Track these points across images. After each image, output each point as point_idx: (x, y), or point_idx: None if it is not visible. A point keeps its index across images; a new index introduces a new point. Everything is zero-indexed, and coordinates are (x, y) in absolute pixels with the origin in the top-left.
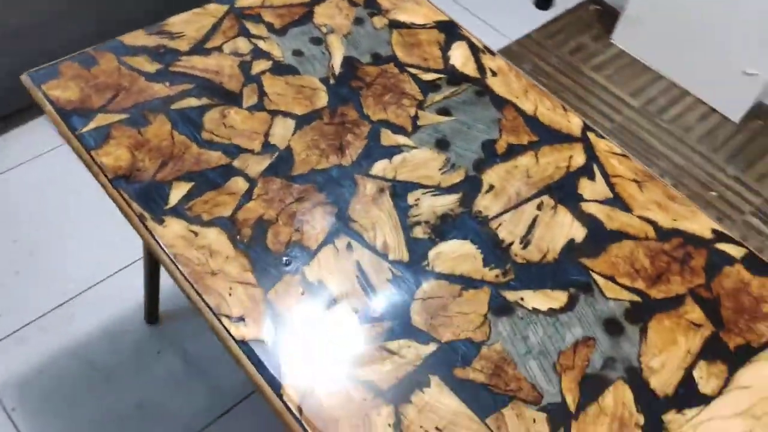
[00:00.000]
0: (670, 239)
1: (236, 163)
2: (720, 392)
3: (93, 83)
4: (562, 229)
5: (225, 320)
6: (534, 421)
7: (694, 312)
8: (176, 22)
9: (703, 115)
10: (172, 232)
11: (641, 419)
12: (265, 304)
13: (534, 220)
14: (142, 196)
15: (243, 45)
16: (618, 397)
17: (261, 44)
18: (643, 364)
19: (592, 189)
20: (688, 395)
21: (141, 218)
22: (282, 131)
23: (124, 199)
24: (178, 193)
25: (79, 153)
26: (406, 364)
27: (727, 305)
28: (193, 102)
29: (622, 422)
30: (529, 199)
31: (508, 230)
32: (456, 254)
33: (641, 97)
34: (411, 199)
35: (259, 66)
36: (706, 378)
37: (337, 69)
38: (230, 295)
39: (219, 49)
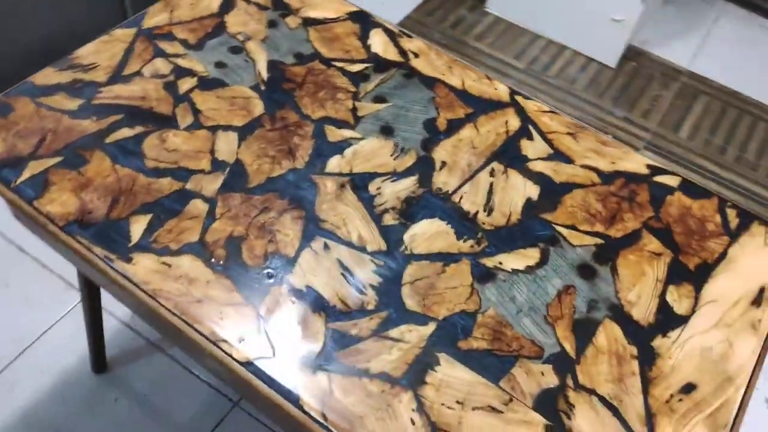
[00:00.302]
0: (614, 181)
1: (190, 186)
2: (693, 310)
3: (15, 131)
4: (517, 190)
5: (224, 345)
6: (542, 374)
7: (651, 243)
8: (85, 53)
9: (583, 66)
10: (143, 268)
11: (634, 350)
12: (259, 320)
13: (490, 187)
14: (100, 237)
15: (162, 66)
16: (609, 334)
17: (181, 62)
18: (621, 299)
19: (533, 148)
20: (667, 319)
21: (107, 260)
22: (226, 146)
23: (83, 244)
24: (138, 227)
25: (18, 206)
26: (413, 348)
27: (677, 231)
28: (126, 132)
29: (618, 357)
30: (480, 169)
31: (470, 201)
32: (429, 233)
33: (524, 58)
34: (372, 188)
35: (185, 84)
36: (678, 300)
37: (264, 74)
38: (222, 319)
39: (138, 74)
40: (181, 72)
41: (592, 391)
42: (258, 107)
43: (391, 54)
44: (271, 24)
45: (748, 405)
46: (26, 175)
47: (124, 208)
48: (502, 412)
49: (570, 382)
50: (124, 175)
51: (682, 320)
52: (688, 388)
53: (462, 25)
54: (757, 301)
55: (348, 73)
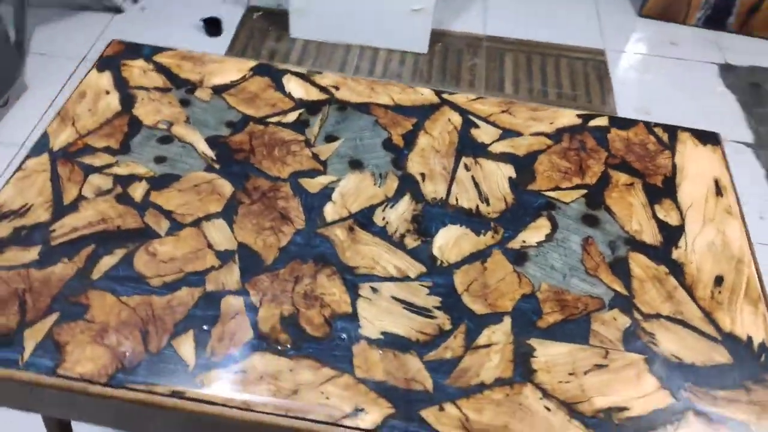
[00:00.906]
0: (562, 138)
1: (211, 288)
2: (682, 219)
3: None
4: (496, 175)
5: (347, 421)
6: (615, 319)
7: (620, 177)
8: (6, 197)
9: (401, 59)
10: (219, 386)
11: (664, 268)
12: (360, 384)
13: (474, 181)
14: (155, 375)
15: (101, 181)
16: (640, 264)
17: (117, 170)
18: (629, 232)
19: (485, 134)
20: (669, 234)
21: (177, 395)
22: (220, 234)
23: (140, 390)
24: (188, 348)
25: (39, 384)
26: (506, 346)
27: (632, 160)
28: (109, 261)
29: (658, 279)
30: (455, 168)
31: (466, 199)
32: (452, 241)
33: (347, 69)
34: (378, 220)
35: (137, 191)
36: (668, 215)
37: (210, 153)
38: (328, 398)
39: (81, 198)
40: (124, 180)
41: (657, 316)
42: (226, 186)
43: (314, 94)
44: (184, 103)
45: (761, 272)
46: (30, 346)
47: (160, 336)
48: (607, 365)
49: (638, 315)
50: (136, 305)
51: (680, 229)
52: (719, 281)
53: (277, 57)
54: (719, 192)
55: (287, 125)
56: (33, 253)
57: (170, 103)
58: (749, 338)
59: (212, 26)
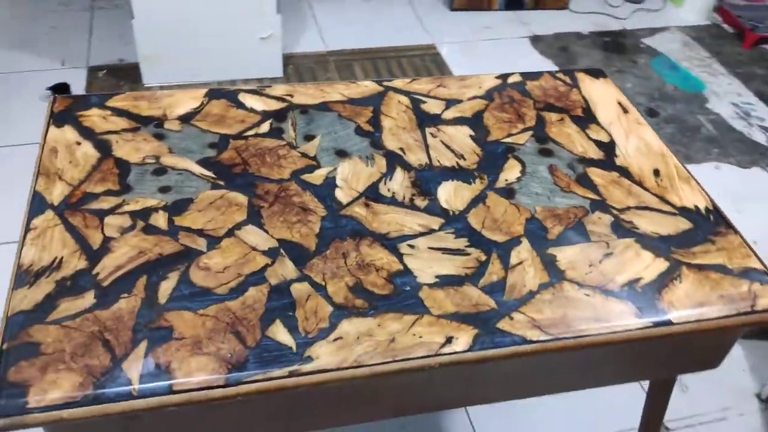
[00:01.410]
0: (493, 96)
1: (274, 281)
2: (610, 136)
3: (66, 357)
4: (459, 136)
5: (445, 349)
6: (600, 218)
7: (551, 116)
8: (30, 258)
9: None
10: (326, 354)
11: (615, 173)
12: (441, 318)
13: (444, 144)
14: (267, 364)
15: (120, 221)
16: (599, 175)
17: (129, 208)
18: (578, 153)
19: (434, 107)
20: (606, 148)
21: (294, 374)
22: (257, 236)
23: (260, 379)
24: (285, 334)
25: (161, 406)
26: (534, 259)
27: (552, 101)
28: (168, 285)
29: (615, 182)
30: (424, 138)
31: (445, 159)
32: (451, 193)
33: None
34: (385, 192)
35: (160, 220)
36: (598, 135)
37: (207, 173)
38: (420, 337)
39: (109, 240)
40: (141, 215)
41: (628, 208)
42: (239, 197)
43: (274, 105)
44: (159, 137)
45: (681, 167)
46: (135, 375)
47: (253, 333)
48: (612, 252)
49: (614, 212)
50: (216, 313)
51: (612, 144)
52: (657, 173)
53: None
54: (624, 110)
55: (264, 135)
56: (88, 299)
57: (145, 139)
58: (696, 207)
59: (61, 93)
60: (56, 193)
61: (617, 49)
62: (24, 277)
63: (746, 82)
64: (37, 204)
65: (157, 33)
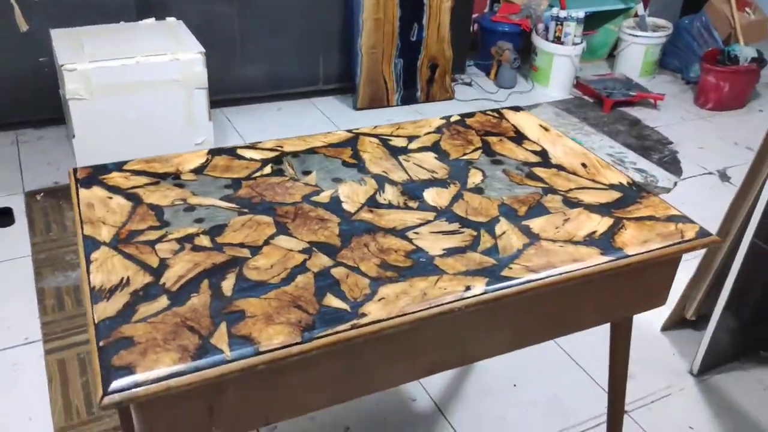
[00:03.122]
0: (443, 131)
1: (316, 269)
2: (540, 145)
3: (157, 346)
4: (426, 158)
5: (467, 294)
6: (553, 198)
7: (492, 139)
8: (101, 280)
9: None
10: (377, 310)
11: (554, 169)
12: (457, 275)
13: (417, 165)
14: (332, 323)
15: (169, 246)
16: (540, 172)
17: (174, 236)
18: (521, 160)
19: (399, 142)
20: (540, 154)
21: (355, 327)
22: (291, 243)
23: (327, 330)
24: (337, 301)
25: (250, 366)
26: (513, 229)
27: (488, 129)
28: (228, 283)
29: (556, 175)
30: (400, 164)
31: (421, 174)
32: (435, 195)
33: None
34: (382, 201)
35: (203, 241)
36: (531, 146)
37: (233, 205)
38: (445, 289)
39: (164, 260)
40: (185, 240)
41: (570, 190)
42: (265, 218)
43: (269, 154)
44: (179, 185)
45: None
46: (223, 345)
47: (311, 304)
48: (569, 218)
49: (562, 193)
50: (276, 296)
51: (544, 152)
52: (584, 165)
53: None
54: (545, 129)
55: (269, 175)
56: (163, 302)
57: (168, 189)
58: (621, 183)
59: (3, 217)
60: (104, 233)
61: None
62: (99, 295)
63: (614, 137)
64: (91, 244)
65: (96, 149)
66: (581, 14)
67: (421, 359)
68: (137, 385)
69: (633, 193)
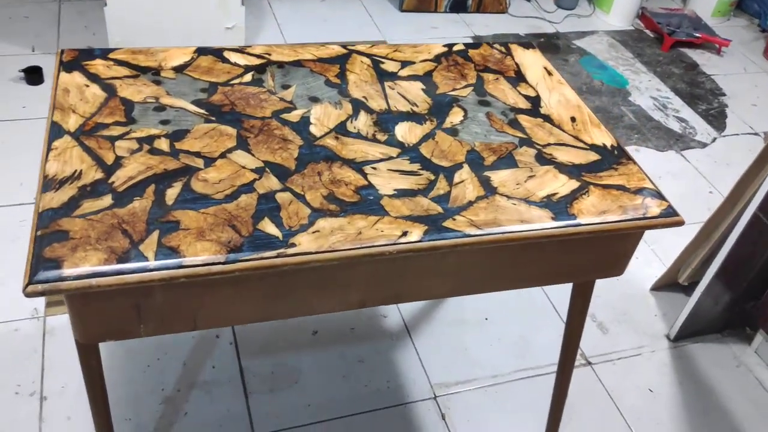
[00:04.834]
0: (440, 60)
1: (262, 191)
2: (536, 92)
3: (90, 241)
4: (412, 89)
5: (402, 239)
6: (526, 151)
7: (488, 76)
8: (54, 170)
9: None
10: (307, 242)
11: (540, 119)
12: (399, 219)
13: (400, 95)
14: (256, 248)
15: (128, 144)
16: (524, 120)
17: (135, 135)
18: (509, 104)
19: (391, 66)
20: (533, 101)
21: (282, 255)
22: (246, 159)
23: (251, 259)
24: (270, 226)
25: (171, 278)
26: (473, 179)
27: (490, 65)
28: (173, 191)
29: (539, 126)
30: (383, 90)
31: (402, 105)
32: (406, 130)
33: None
34: (351, 129)
35: (162, 144)
36: (527, 91)
37: (200, 110)
38: (382, 231)
39: (120, 158)
40: (146, 140)
41: (548, 144)
42: (228, 129)
43: (254, 60)
44: (157, 82)
45: (598, 120)
46: (150, 255)
47: (246, 226)
48: (535, 175)
49: (538, 147)
50: (215, 212)
51: (537, 98)
52: (573, 119)
53: None
54: (549, 73)
55: (248, 84)
56: (107, 200)
57: (145, 84)
58: (604, 144)
59: (33, 75)
60: (71, 123)
61: (550, 49)
62: (50, 184)
63: (664, 80)
64: (56, 131)
65: (127, 20)
66: None
67: (353, 293)
68: (61, 279)
69: (611, 157)
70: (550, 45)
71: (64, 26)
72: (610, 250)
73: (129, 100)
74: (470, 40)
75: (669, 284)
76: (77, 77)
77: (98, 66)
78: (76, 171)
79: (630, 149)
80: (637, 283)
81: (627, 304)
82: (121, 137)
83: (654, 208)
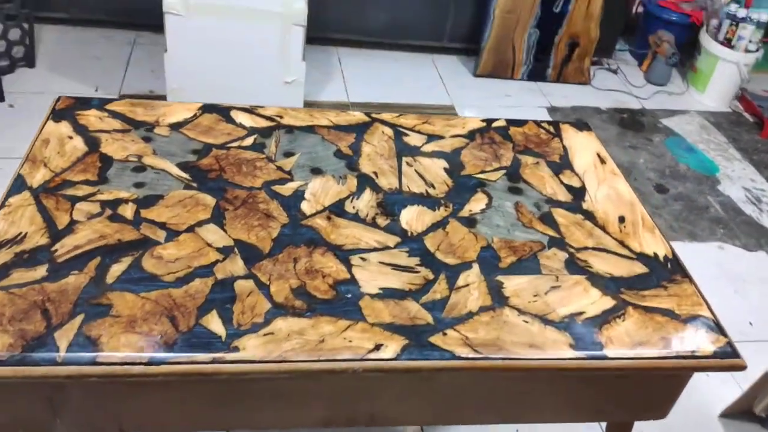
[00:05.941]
0: (475, 137)
1: (221, 276)
2: (582, 182)
3: (7, 320)
4: (433, 167)
5: (371, 355)
6: (555, 254)
7: (527, 159)
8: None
9: None
10: (253, 347)
11: (580, 215)
12: (376, 326)
13: (417, 173)
14: (192, 348)
15: (89, 207)
16: (560, 215)
17: (101, 197)
18: (546, 195)
19: (415, 139)
20: (575, 192)
21: (217, 361)
22: (216, 235)
23: (181, 362)
24: (215, 323)
25: (81, 375)
26: (481, 283)
27: (532, 146)
28: (119, 268)
29: (578, 224)
30: (399, 166)
31: (415, 186)
32: (414, 216)
33: None
34: (350, 209)
35: (127, 211)
36: (569, 179)
37: (185, 175)
38: (350, 341)
39: (74, 222)
40: (111, 204)
41: (585, 248)
42: (207, 198)
43: (262, 123)
44: (147, 140)
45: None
46: (64, 344)
47: (187, 319)
48: (560, 286)
49: (571, 250)
50: (157, 297)
51: (582, 189)
52: (622, 219)
53: None
54: (602, 161)
55: (246, 148)
56: (41, 271)
57: (133, 140)
58: (656, 254)
59: None
60: (37, 177)
61: (634, 126)
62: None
63: (761, 169)
64: (18, 185)
65: (186, 68)
66: (765, 17)
67: (315, 410)
68: None
69: (663, 272)
70: (634, 122)
71: (131, 69)
72: (649, 390)
73: (109, 156)
74: (545, 111)
75: (743, 412)
76: (63, 127)
77: (90, 117)
78: (20, 234)
79: (712, 246)
80: (705, 407)
81: (690, 431)
82: (84, 198)
83: (707, 344)
